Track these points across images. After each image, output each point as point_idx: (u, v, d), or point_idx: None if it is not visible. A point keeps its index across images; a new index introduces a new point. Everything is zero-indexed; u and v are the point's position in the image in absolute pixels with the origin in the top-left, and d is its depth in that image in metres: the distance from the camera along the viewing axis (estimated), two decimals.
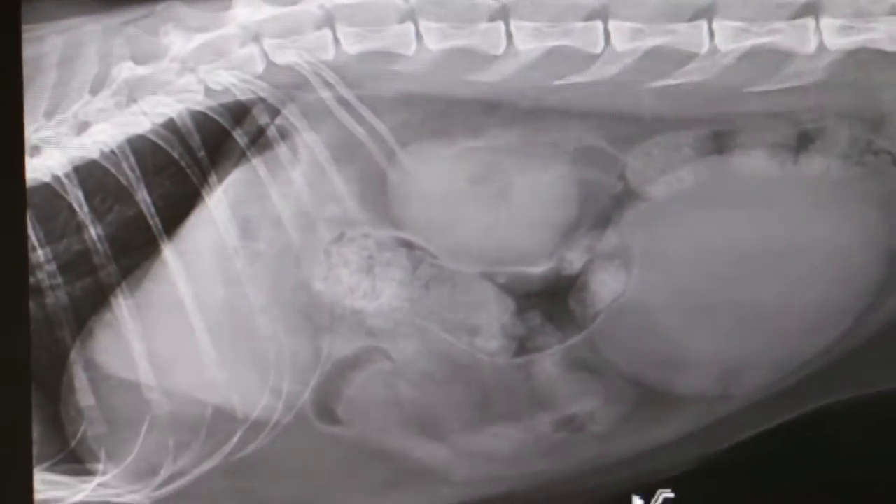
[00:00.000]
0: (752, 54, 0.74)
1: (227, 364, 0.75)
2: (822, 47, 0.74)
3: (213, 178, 0.75)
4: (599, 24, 0.74)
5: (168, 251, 0.75)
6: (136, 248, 0.75)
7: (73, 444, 0.75)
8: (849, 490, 0.76)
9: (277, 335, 0.75)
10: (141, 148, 0.75)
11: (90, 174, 0.75)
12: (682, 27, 0.74)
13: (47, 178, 0.75)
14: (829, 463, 0.76)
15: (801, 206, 0.75)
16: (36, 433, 0.75)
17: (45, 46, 0.75)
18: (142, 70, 0.75)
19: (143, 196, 0.75)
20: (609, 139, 0.75)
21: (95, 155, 0.75)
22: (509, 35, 0.74)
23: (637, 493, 0.75)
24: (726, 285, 0.75)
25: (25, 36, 0.75)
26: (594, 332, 0.75)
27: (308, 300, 0.75)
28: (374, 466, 0.76)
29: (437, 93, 0.75)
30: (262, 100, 0.75)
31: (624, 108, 0.75)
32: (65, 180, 0.75)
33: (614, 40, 0.74)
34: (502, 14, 0.74)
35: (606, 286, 0.75)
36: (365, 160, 0.75)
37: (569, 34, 0.74)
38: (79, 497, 0.76)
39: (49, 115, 0.75)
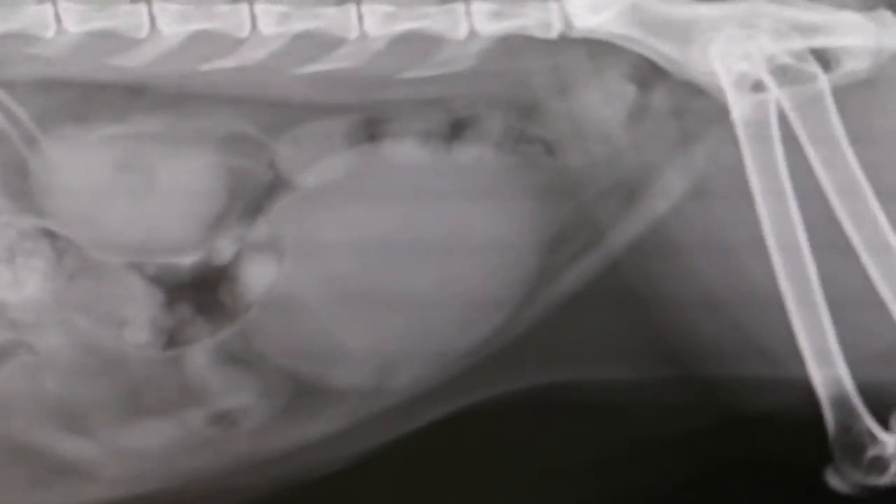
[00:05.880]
0: (402, 40, 0.75)
1: None
2: (473, 33, 0.75)
3: None
4: (245, 7, 0.74)
5: None
6: None
7: None
8: (510, 484, 0.78)
9: None
10: None
11: None
12: (331, 11, 0.75)
13: None
14: (487, 458, 0.77)
15: (455, 196, 0.76)
16: None
17: None
18: None
19: None
20: (258, 126, 0.76)
21: None
22: (152, 18, 0.75)
23: None
24: (381, 276, 0.76)
25: None
26: (246, 324, 0.76)
27: None
28: (19, 464, 0.77)
29: (78, 77, 0.75)
30: None
31: (273, 94, 0.75)
32: None
33: (260, 24, 0.75)
34: None
35: (257, 277, 0.76)
36: (5, 147, 0.75)
37: (214, 17, 0.75)
38: None
39: None
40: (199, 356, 0.77)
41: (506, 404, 0.77)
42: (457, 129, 0.76)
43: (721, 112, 0.75)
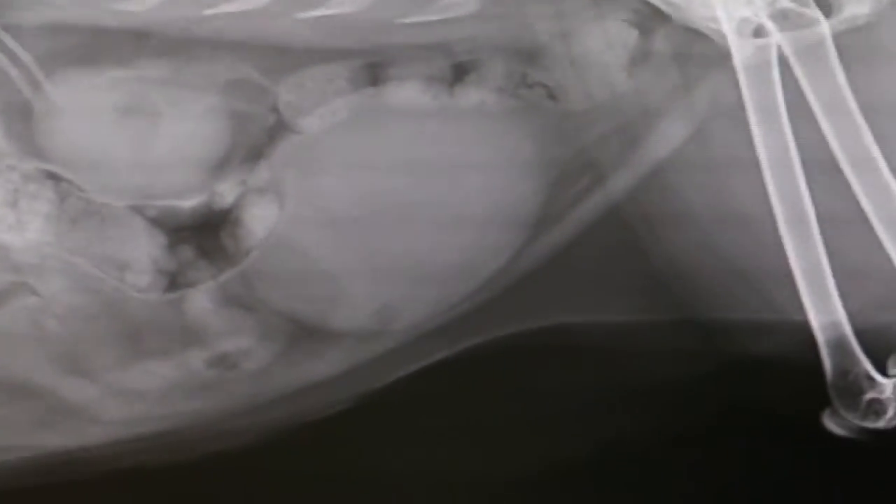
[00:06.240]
0: None
1: None
2: None
3: None
4: None
5: None
6: None
7: None
8: (508, 427, 0.78)
9: None
10: None
11: None
12: None
13: None
14: (485, 401, 0.78)
15: (457, 140, 0.77)
16: None
17: None
18: None
19: None
20: (261, 70, 0.76)
21: None
22: None
23: None
24: (382, 220, 0.77)
25: None
26: (247, 267, 0.77)
27: None
28: (21, 405, 0.77)
29: (83, 21, 0.76)
30: None
31: (276, 39, 0.76)
32: None
33: None
34: None
35: (259, 221, 0.77)
36: (8, 90, 0.76)
37: None
38: None
39: None
40: (201, 299, 0.77)
41: (505, 347, 0.78)
42: (459, 74, 0.77)
43: (722, 57, 0.76)
